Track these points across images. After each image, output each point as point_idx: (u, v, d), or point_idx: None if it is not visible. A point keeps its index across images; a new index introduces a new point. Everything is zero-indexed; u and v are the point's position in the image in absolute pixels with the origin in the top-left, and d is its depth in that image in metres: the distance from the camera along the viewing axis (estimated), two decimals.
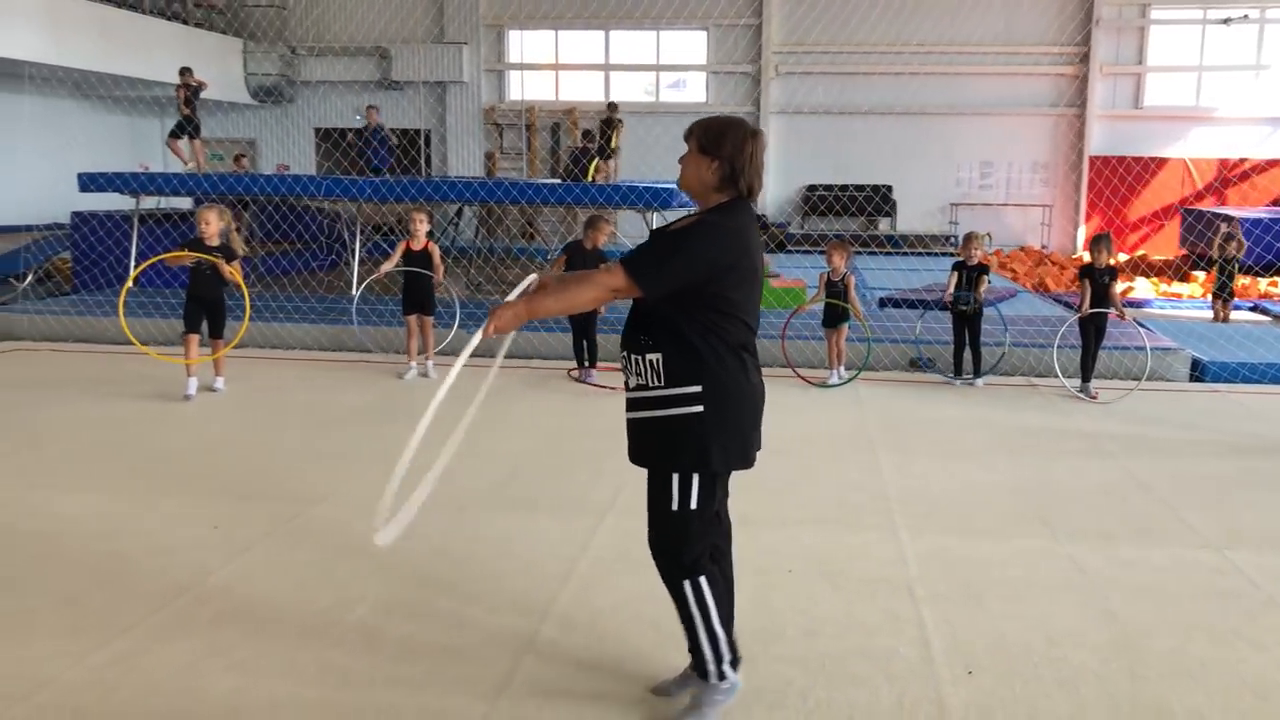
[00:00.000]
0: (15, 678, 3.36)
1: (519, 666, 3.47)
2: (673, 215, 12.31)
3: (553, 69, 21.91)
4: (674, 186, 11.33)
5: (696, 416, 2.93)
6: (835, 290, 8.29)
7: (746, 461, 3.07)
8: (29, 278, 12.91)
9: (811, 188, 20.52)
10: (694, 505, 2.98)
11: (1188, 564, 4.58)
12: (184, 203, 15.20)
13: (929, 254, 18.82)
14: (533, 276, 3.28)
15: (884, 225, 20.41)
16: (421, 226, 7.79)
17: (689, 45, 21.49)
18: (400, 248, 8.12)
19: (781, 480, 5.68)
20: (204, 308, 7.33)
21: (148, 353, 7.64)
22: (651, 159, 18.33)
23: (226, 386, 7.66)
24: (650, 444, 3.02)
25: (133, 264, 12.26)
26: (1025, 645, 3.74)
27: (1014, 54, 19.60)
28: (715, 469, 2.99)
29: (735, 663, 3.16)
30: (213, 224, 7.17)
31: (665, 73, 21.80)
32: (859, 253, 18.15)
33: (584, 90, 21.83)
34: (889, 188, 20.48)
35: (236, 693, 3.29)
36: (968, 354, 8.37)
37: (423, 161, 20.92)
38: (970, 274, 8.27)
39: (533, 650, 3.59)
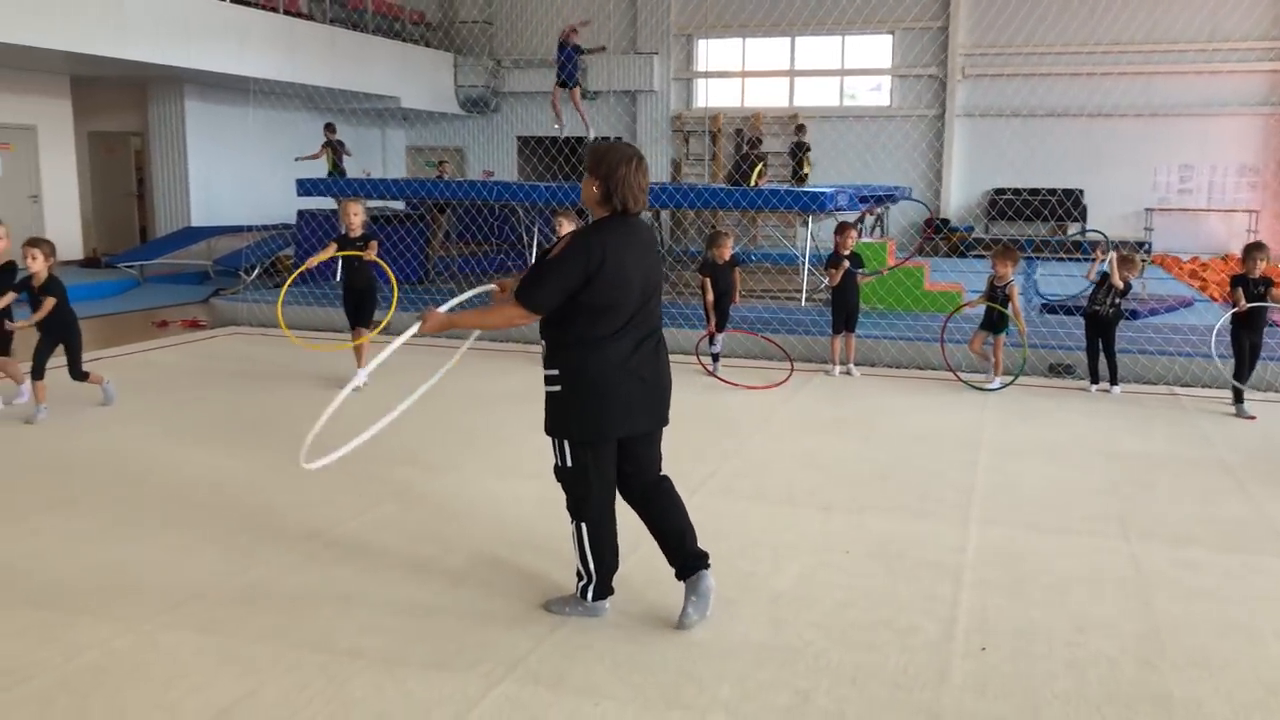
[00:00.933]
0: (171, 593, 4.15)
1: (572, 615, 3.97)
2: (838, 218, 12.50)
3: (739, 76, 22.33)
4: (830, 190, 11.58)
5: (558, 395, 3.65)
6: (996, 296, 8.35)
7: (601, 435, 3.67)
8: (255, 272, 14.46)
9: (998, 191, 20.03)
10: (569, 464, 3.74)
11: (1258, 570, 4.57)
12: (394, 205, 16.60)
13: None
14: (491, 286, 4.15)
15: (1074, 230, 19.68)
16: (567, 226, 8.40)
17: (874, 49, 21.41)
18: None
19: (873, 472, 5.96)
20: (353, 296, 8.16)
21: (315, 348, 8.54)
22: (841, 164, 18.48)
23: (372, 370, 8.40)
24: (546, 414, 3.75)
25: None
26: (1049, 631, 3.91)
27: (1218, 51, 18.46)
28: (574, 438, 3.67)
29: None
30: (359, 215, 7.98)
31: (850, 77, 21.81)
32: (1045, 258, 17.64)
33: (768, 96, 22.12)
34: (1079, 191, 19.74)
35: (336, 614, 3.97)
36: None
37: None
38: (1109, 286, 8.21)
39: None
